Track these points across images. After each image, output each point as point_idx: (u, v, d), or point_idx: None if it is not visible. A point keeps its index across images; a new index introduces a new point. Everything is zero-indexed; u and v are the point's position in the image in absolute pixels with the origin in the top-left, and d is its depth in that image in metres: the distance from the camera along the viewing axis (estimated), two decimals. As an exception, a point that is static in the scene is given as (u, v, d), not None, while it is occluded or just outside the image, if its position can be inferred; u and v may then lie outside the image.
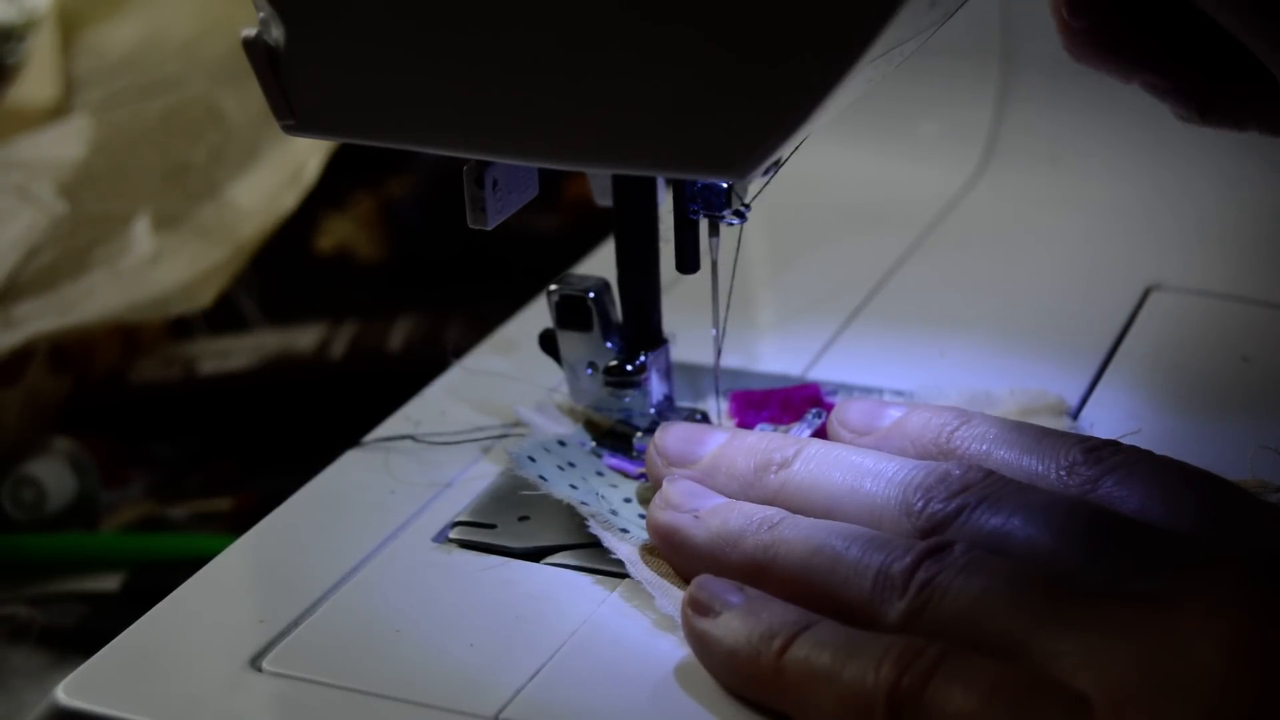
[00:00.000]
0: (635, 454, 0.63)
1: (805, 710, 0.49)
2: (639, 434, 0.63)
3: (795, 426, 0.63)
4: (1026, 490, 0.52)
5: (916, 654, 0.47)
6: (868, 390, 0.66)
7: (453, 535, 0.60)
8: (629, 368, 0.63)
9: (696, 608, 0.52)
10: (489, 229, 0.57)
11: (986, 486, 0.52)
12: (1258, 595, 0.46)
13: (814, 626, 0.50)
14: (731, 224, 0.60)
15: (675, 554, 0.56)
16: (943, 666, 0.46)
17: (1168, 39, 0.60)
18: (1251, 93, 0.60)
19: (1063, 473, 0.54)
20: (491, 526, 0.60)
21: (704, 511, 0.55)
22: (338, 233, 1.04)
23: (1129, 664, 0.45)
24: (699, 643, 0.52)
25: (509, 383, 0.68)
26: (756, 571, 0.53)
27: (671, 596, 0.55)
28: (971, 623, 0.48)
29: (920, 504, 0.52)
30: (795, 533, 0.53)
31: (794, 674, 0.49)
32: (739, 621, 0.51)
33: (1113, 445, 0.54)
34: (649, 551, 0.57)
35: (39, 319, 0.84)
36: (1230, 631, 0.45)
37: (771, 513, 0.54)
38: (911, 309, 0.74)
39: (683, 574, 0.56)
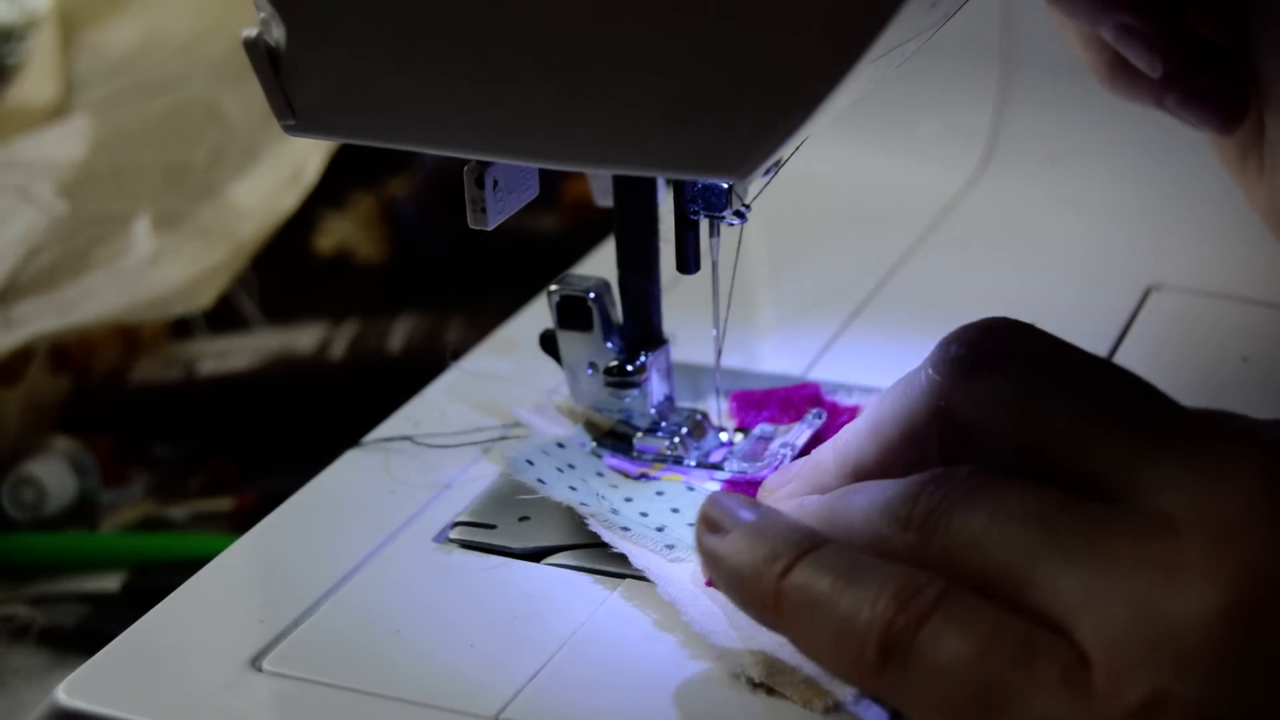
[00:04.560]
0: (635, 454, 0.63)
1: (802, 637, 0.48)
2: (639, 434, 0.63)
3: (795, 426, 0.63)
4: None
5: (915, 591, 0.46)
6: (868, 390, 0.66)
7: (453, 535, 0.60)
8: (629, 368, 0.63)
9: (708, 524, 0.51)
10: (489, 229, 0.57)
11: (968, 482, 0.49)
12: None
13: (819, 550, 0.48)
14: (732, 224, 0.60)
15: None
16: (941, 607, 0.45)
17: None
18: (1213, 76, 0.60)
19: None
20: (491, 527, 0.60)
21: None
22: (338, 233, 1.04)
23: (1124, 607, 0.43)
24: (708, 560, 0.51)
25: (508, 384, 0.68)
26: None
27: (676, 584, 0.55)
28: (977, 549, 0.46)
29: (906, 510, 0.49)
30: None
31: (793, 598, 0.48)
32: (746, 541, 0.50)
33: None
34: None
35: (39, 319, 0.84)
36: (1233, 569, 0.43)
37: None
38: (912, 309, 0.74)
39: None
